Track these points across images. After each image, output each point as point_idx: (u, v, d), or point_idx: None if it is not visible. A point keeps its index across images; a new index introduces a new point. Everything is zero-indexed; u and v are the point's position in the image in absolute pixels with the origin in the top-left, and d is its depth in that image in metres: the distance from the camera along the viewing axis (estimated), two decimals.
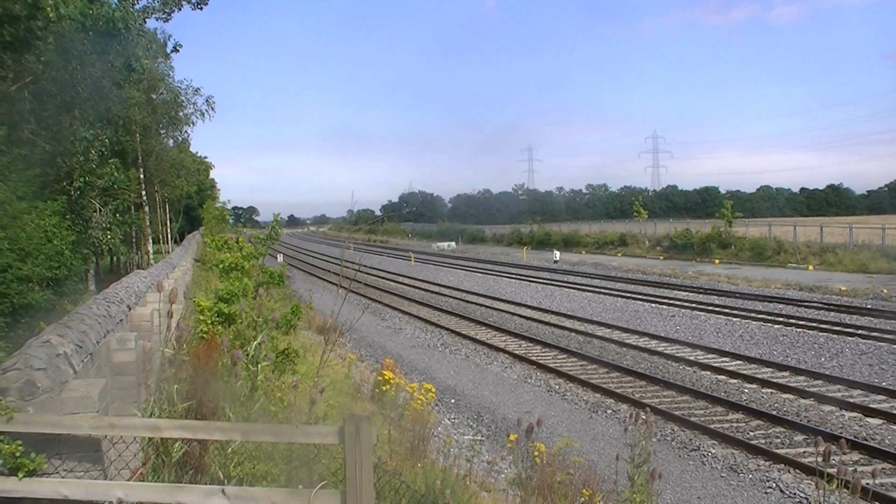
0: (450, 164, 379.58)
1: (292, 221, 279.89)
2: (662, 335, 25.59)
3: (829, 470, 6.78)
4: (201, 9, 23.59)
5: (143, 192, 41.05)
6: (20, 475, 4.89)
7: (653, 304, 34.30)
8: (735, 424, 15.78)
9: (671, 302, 34.72)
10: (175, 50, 31.31)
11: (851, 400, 17.00)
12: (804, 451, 13.85)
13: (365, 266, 39.53)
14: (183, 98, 41.34)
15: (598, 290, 41.05)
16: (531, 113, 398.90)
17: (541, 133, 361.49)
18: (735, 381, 19.24)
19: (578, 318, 30.09)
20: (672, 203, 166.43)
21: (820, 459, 6.61)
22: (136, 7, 21.28)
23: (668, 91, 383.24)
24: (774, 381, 18.85)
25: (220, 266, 16.23)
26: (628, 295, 38.07)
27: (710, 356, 22.17)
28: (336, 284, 37.88)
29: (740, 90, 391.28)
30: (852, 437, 14.14)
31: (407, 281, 49.07)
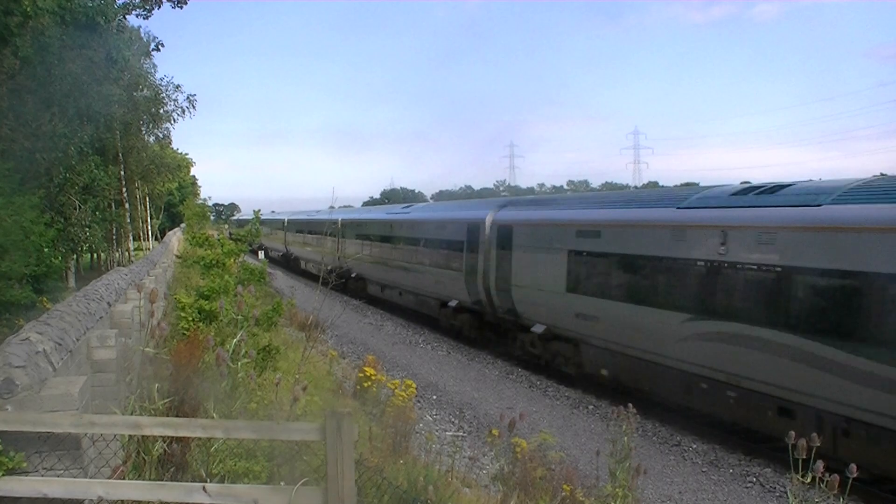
0: (433, 160, 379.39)
1: None
2: None
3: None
4: (181, 7, 23.51)
5: (124, 189, 40.81)
6: None
7: None
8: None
9: None
10: (157, 49, 31.20)
11: None
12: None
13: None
14: (164, 95, 41.11)
15: None
16: (513, 110, 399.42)
17: (523, 129, 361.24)
18: None
19: None
20: None
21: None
22: (118, 2, 21.19)
23: (650, 87, 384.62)
24: None
25: (202, 263, 16.17)
26: None
27: None
28: (317, 281, 37.87)
29: (722, 87, 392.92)
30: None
31: None
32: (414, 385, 12.66)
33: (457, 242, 25.20)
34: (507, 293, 21.82)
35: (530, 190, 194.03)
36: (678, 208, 16.02)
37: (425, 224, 29.73)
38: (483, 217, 23.80)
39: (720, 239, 14.27)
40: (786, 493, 11.92)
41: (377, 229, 36.05)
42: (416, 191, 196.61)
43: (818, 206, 12.70)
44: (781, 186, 14.38)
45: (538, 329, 20.17)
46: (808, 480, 6.04)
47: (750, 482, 12.65)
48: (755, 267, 13.52)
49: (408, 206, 37.03)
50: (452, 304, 25.86)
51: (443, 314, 26.80)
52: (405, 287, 31.02)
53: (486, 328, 24.29)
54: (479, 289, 23.50)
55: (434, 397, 18.04)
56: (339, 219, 43.05)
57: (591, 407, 17.00)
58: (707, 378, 14.42)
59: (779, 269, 13.01)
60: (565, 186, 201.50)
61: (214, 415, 6.38)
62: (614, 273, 17.43)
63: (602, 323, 17.58)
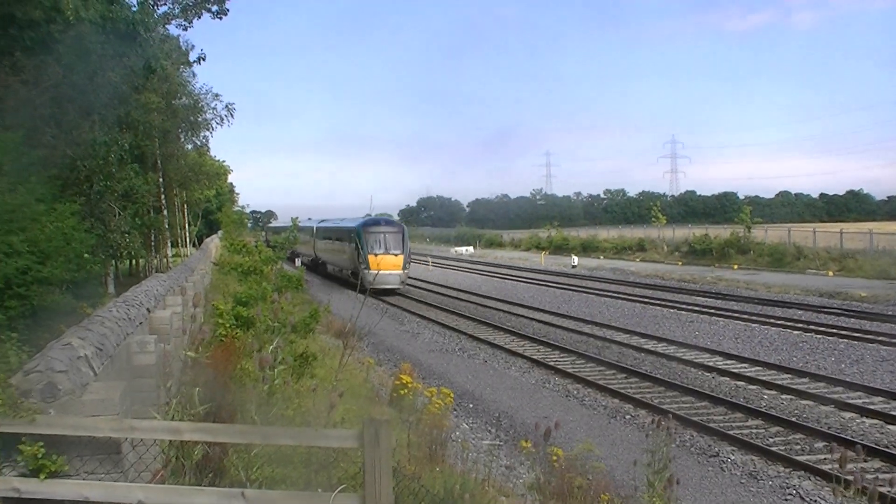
0: (466, 168, 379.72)
1: None
2: (681, 341, 25.49)
3: (848, 477, 6.72)
4: (220, 18, 23.71)
5: (163, 196, 41.18)
6: (42, 476, 4.92)
7: (671, 310, 34.19)
8: (754, 430, 15.70)
9: (690, 307, 34.58)
10: (198, 61, 31.41)
11: (872, 407, 16.87)
12: (824, 458, 13.75)
13: None
14: (203, 103, 41.41)
15: (616, 295, 40.94)
16: (548, 117, 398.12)
17: (557, 138, 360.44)
18: (754, 386, 19.14)
19: (597, 324, 30.00)
20: (690, 208, 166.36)
21: (838, 466, 6.56)
22: (158, 13, 21.41)
23: (686, 96, 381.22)
24: (794, 387, 18.76)
25: (239, 269, 16.24)
26: (647, 300, 37.93)
27: (729, 362, 22.08)
28: (354, 289, 37.96)
29: (760, 95, 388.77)
30: (873, 445, 14.00)
31: (424, 285, 49.12)
32: (451, 394, 12.64)
33: (310, 237, 63.99)
34: (315, 253, 61.95)
35: (566, 198, 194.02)
36: (348, 224, 52.96)
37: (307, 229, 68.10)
38: (314, 225, 64.12)
39: (329, 233, 58.88)
40: None
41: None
42: (453, 199, 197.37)
43: (336, 223, 58.96)
44: (344, 219, 59.55)
45: (323, 261, 59.18)
46: (852, 494, 5.93)
47: (790, 495, 12.47)
48: (331, 238, 57.31)
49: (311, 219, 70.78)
50: (307, 260, 62.82)
51: (309, 263, 61.78)
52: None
53: (318, 267, 60.23)
54: (313, 253, 62.24)
55: (470, 405, 18.00)
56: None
57: (628, 417, 16.87)
58: (329, 263, 57.74)
59: (331, 238, 57.41)
60: (602, 195, 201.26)
61: (256, 418, 6.40)
62: (323, 242, 60.57)
63: (326, 256, 58.64)
